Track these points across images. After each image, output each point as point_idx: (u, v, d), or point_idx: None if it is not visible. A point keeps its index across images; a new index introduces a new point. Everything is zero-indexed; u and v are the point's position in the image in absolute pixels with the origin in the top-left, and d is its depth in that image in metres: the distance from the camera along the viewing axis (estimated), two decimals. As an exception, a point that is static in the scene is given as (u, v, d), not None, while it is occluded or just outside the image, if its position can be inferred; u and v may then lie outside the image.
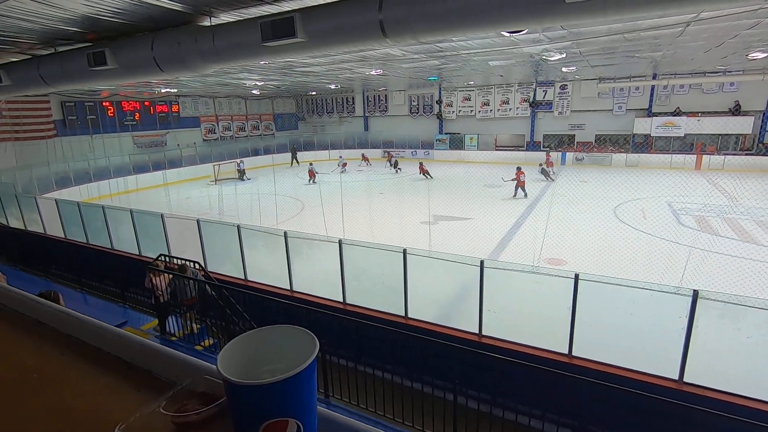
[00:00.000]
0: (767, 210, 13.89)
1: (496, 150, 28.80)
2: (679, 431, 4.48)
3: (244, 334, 0.56)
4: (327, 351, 5.39)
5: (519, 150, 28.46)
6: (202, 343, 6.70)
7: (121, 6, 5.98)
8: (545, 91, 27.28)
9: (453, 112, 30.68)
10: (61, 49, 8.09)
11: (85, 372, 0.83)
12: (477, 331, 6.32)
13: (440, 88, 30.29)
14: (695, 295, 4.87)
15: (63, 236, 12.06)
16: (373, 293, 7.50)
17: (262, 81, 21.14)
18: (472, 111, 30.00)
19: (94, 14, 6.26)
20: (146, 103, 25.86)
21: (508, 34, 10.18)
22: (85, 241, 11.43)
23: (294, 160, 29.50)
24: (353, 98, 34.50)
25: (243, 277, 8.77)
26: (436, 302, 7.68)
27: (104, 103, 23.69)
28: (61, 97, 21.45)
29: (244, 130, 32.82)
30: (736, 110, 22.69)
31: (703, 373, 5.05)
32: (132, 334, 0.89)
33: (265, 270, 8.87)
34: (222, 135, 31.07)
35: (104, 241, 11.07)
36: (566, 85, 26.61)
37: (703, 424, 4.43)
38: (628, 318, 5.88)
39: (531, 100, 27.72)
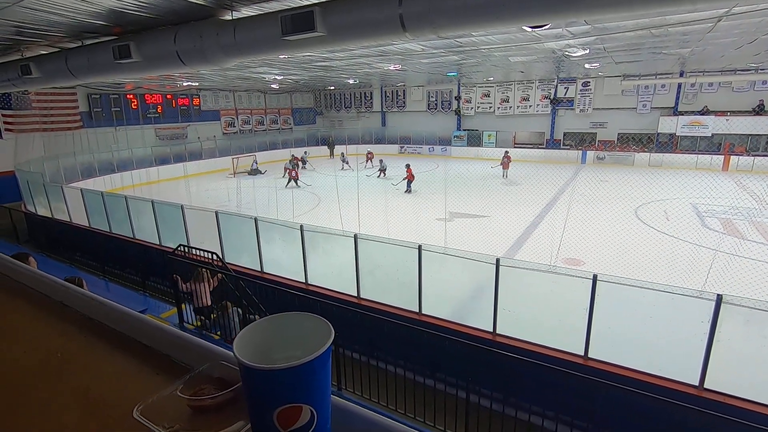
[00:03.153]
0: (798, 214, 13.36)
1: (515, 147, 28.41)
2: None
3: (261, 319, 0.57)
4: (340, 344, 5.43)
5: (539, 148, 28.02)
6: (217, 333, 6.83)
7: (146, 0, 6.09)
8: (567, 88, 26.74)
9: (471, 108, 30.36)
10: (88, 42, 8.30)
11: (106, 354, 0.86)
12: (491, 330, 6.27)
13: (459, 84, 30.00)
14: (719, 299, 4.73)
15: (87, 225, 12.43)
16: (387, 288, 7.52)
17: (282, 75, 21.29)
18: (491, 107, 29.63)
19: (120, 8, 6.40)
20: (168, 96, 26.36)
21: (529, 29, 10.00)
22: (108, 230, 11.76)
23: (331, 153, 30.63)
24: (371, 93, 34.47)
25: (259, 269, 8.89)
26: (450, 299, 7.64)
27: (128, 96, 24.25)
28: (87, 90, 22.03)
29: (263, 124, 33.17)
30: (760, 110, 21.85)
31: (725, 381, 4.91)
32: (152, 319, 0.91)
33: (281, 262, 8.97)
34: (241, 129, 31.46)
35: (126, 230, 11.37)
36: (589, 82, 26.03)
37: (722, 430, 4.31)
38: (648, 321, 5.74)
39: (552, 97, 27.22)
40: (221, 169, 25.32)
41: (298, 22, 5.77)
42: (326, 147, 31.63)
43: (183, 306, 7.44)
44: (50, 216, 13.68)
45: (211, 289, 6.90)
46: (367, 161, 25.67)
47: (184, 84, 23.36)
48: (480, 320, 6.44)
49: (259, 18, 6.32)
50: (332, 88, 33.94)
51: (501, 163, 21.45)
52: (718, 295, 4.77)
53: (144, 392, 0.65)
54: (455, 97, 30.64)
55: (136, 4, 6.26)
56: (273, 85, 27.53)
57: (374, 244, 7.29)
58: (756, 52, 15.51)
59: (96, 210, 12.15)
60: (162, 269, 9.18)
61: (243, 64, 14.79)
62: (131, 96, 24.40)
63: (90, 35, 8.02)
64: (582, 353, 5.62)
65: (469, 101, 30.33)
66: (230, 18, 6.80)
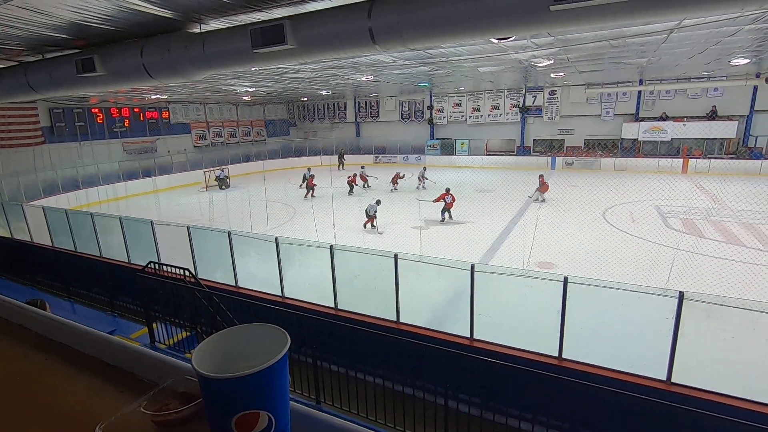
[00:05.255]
0: (751, 212, 14.15)
1: (487, 155, 29.03)
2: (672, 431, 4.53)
3: (220, 332, 0.58)
4: (319, 357, 5.37)
5: (510, 155, 28.73)
6: (191, 351, 6.64)
7: (109, 12, 5.97)
8: (535, 97, 27.61)
9: (444, 117, 30.91)
10: (49, 55, 8.04)
11: (69, 375, 0.84)
12: (468, 335, 6.35)
13: (431, 94, 30.53)
14: (681, 296, 4.95)
15: (50, 244, 11.90)
16: (365, 298, 7.51)
17: (253, 87, 21.14)
18: (462, 116, 30.24)
19: (81, 21, 6.25)
20: (136, 110, 25.70)
21: (496, 41, 10.32)
22: (74, 249, 11.29)
23: (341, 164, 29.94)
24: (345, 104, 34.62)
25: (234, 284, 8.72)
26: (428, 306, 7.70)
27: (93, 110, 23.50)
28: (48, 104, 21.25)
29: (236, 137, 32.74)
30: (712, 115, 23.20)
31: (690, 374, 5.12)
32: (115, 338, 0.90)
33: (257, 276, 8.83)
34: (213, 141, 30.95)
35: (93, 248, 10.95)
36: (555, 91, 26.97)
37: (690, 424, 4.48)
38: (617, 320, 5.94)
39: (521, 105, 28.03)
40: (193, 182, 24.78)
41: (268, 35, 5.78)
42: (337, 158, 30.49)
43: (154, 325, 7.21)
44: (9, 236, 13.03)
45: None
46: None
47: (153, 97, 22.85)
48: (457, 326, 6.51)
49: (229, 31, 6.31)
50: (305, 99, 33.91)
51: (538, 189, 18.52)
52: (680, 292, 5.00)
53: (107, 410, 0.65)
54: (428, 107, 31.14)
55: (99, 18, 6.14)
56: (245, 97, 27.28)
57: (350, 255, 7.28)
58: (707, 61, 16.49)
59: (60, 228, 11.66)
60: (132, 288, 8.87)
61: (213, 76, 14.63)
62: (96, 110, 23.66)
63: (51, 48, 7.78)
64: (556, 354, 5.75)
65: (441, 110, 30.88)
66: (198, 31, 6.74)
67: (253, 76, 16.28)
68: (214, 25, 6.85)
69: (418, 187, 21.76)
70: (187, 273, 7.04)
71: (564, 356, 5.74)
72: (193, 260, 9.07)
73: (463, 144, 30.02)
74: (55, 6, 5.59)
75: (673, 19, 8.65)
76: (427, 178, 21.59)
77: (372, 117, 33.91)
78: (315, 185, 20.04)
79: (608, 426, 5.04)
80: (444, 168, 28.08)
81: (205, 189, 23.30)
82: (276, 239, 7.91)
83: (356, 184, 21.23)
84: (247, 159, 30.15)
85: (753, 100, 22.53)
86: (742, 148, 22.91)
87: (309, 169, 23.76)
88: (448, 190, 15.08)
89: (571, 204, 16.23)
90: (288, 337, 0.57)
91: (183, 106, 28.52)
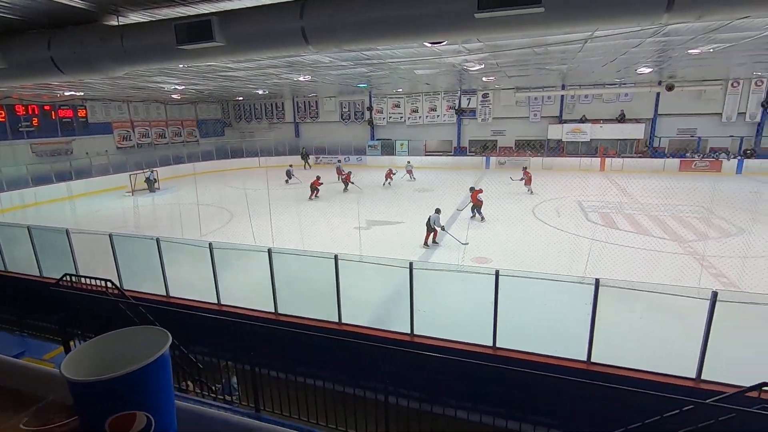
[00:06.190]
0: (657, 206, 15.84)
1: (426, 155, 29.80)
2: (589, 408, 4.95)
3: (96, 338, 0.57)
4: (258, 364, 5.22)
5: (447, 155, 29.72)
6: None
7: (9, 0, 5.38)
8: (469, 99, 28.81)
9: (383, 118, 31.27)
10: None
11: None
12: (409, 331, 6.50)
13: (370, 95, 30.75)
14: (597, 283, 5.44)
15: (-59, 260, 10.42)
16: (306, 301, 7.42)
17: (183, 85, 19.99)
18: (401, 117, 30.80)
19: (-26, 7, 5.57)
20: (46, 108, 23.22)
21: (430, 45, 10.64)
22: (-29, 264, 9.99)
23: (306, 163, 29.65)
24: (283, 104, 33.84)
25: (165, 294, 8.21)
26: (370, 306, 7.77)
27: (-7, 107, 20.91)
28: (-64, 100, 18.60)
29: (165, 137, 30.74)
30: (621, 118, 25.78)
31: (606, 353, 5.64)
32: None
33: (191, 284, 8.39)
34: (139, 142, 28.83)
35: (-5, 262, 9.77)
36: (488, 94, 28.33)
37: (609, 399, 4.94)
38: (544, 308, 6.39)
39: (456, 107, 29.12)
40: (117, 186, 22.89)
41: (194, 31, 5.52)
42: (301, 157, 29.96)
43: (72, 343, 6.59)
44: None
45: None
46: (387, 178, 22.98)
47: (66, 93, 20.80)
48: (399, 323, 6.64)
49: (151, 25, 5.94)
50: (241, 98, 32.67)
51: (522, 179, 19.76)
52: (596, 279, 5.49)
53: (-12, 432, 0.60)
54: (367, 108, 31.34)
55: (-3, 4, 5.51)
56: (174, 96, 25.71)
57: (290, 257, 7.15)
58: (617, 69, 18.22)
59: (-47, 241, 10.25)
60: (45, 304, 8.04)
61: (137, 72, 13.64)
62: (-3, 107, 21.08)
63: (-65, 37, 6.82)
64: (491, 344, 6.07)
65: (381, 112, 31.22)
66: (116, 24, 6.27)
67: (182, 73, 15.41)
68: (134, 18, 6.42)
69: (408, 180, 23.75)
70: (109, 284, 6.52)
71: (498, 345, 6.06)
72: (117, 271, 8.41)
73: (402, 144, 30.57)
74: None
75: (583, 30, 9.46)
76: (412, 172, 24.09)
77: (311, 117, 33.47)
78: (322, 184, 19.63)
79: (541, 408, 5.41)
80: (384, 168, 28.39)
81: (131, 193, 21.63)
82: (210, 244, 7.57)
83: (351, 182, 21.25)
84: (179, 161, 28.40)
85: (656, 104, 25.27)
86: (648, 148, 25.59)
87: (291, 165, 25.15)
88: (472, 189, 15.18)
89: (505, 201, 17.14)
90: (169, 337, 0.57)
91: (103, 104, 26.26)
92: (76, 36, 5.99)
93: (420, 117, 30.33)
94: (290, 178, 23.71)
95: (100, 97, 25.03)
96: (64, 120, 24.21)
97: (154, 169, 23.80)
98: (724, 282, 9.05)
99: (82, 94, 21.88)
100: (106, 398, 0.48)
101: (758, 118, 23.62)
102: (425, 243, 12.05)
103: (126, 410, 0.49)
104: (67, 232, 8.83)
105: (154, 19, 6.42)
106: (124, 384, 0.49)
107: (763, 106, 23.29)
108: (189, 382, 5.86)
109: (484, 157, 28.16)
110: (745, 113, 23.78)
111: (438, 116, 29.89)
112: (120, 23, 6.27)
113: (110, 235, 8.43)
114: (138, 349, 0.53)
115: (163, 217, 16.44)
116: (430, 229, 11.98)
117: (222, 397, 5.50)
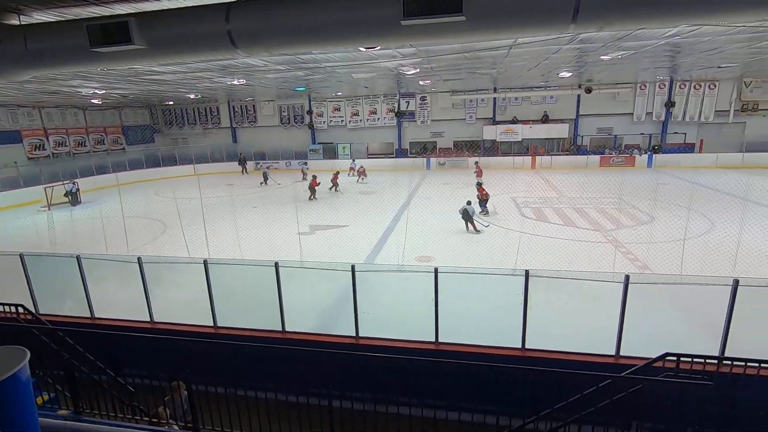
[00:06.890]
0: (582, 199, 17.16)
1: (369, 157, 30.00)
2: (525, 392, 5.26)
3: None
4: (195, 381, 4.99)
5: (389, 157, 30.13)
6: (36, 400, 5.58)
7: None
8: (408, 102, 29.43)
9: (324, 122, 31.07)
10: None
11: None
12: (354, 334, 6.52)
13: (310, 99, 30.41)
14: (527, 274, 5.81)
15: None
16: (248, 312, 7.19)
17: (103, 90, 18.57)
18: (342, 121, 30.77)
19: None
20: (-62, 115, 20.53)
21: (364, 49, 10.76)
22: None
23: (244, 170, 29.62)
24: (218, 108, 32.50)
25: (89, 316, 7.58)
26: (314, 312, 7.69)
27: None
28: None
29: (85, 146, 28.32)
30: (545, 119, 27.76)
31: (538, 338, 6.03)
32: None
33: (119, 303, 7.81)
34: (54, 152, 26.32)
35: None
36: (426, 97, 29.12)
37: (543, 382, 5.29)
38: (480, 301, 6.70)
39: (396, 110, 29.62)
40: (30, 201, 20.73)
41: (110, 33, 5.18)
42: (239, 163, 29.91)
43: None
44: None
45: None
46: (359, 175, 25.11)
47: (-38, 99, 18.53)
48: (344, 327, 6.64)
49: (59, 25, 5.50)
50: (171, 102, 30.92)
51: (475, 172, 21.53)
52: (526, 270, 5.86)
53: None
54: (307, 112, 30.96)
55: None
56: (94, 100, 23.76)
57: (227, 268, 6.90)
58: (542, 73, 19.52)
59: None
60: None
61: (46, 76, 12.47)
62: None
63: None
64: (433, 339, 6.25)
65: (321, 115, 30.98)
66: (18, 23, 5.73)
67: (101, 76, 14.31)
68: (39, 17, 5.90)
69: (358, 181, 24.35)
70: (20, 309, 5.90)
71: (440, 340, 6.26)
72: (31, 294, 7.63)
73: (344, 147, 30.54)
74: None
75: (503, 37, 10.03)
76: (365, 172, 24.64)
77: (249, 122, 32.45)
78: (319, 184, 19.81)
79: (483, 397, 5.66)
80: (328, 172, 28.21)
81: (47, 208, 19.66)
82: (139, 259, 7.10)
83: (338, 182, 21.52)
84: (102, 171, 26.19)
85: (578, 106, 27.39)
86: (572, 146, 27.66)
87: (268, 168, 26.64)
88: (479, 184, 16.67)
89: (445, 200, 17.71)
90: (26, 356, 0.56)
91: (8, 110, 23.68)
92: (-31, 36, 5.40)
93: (361, 120, 30.49)
94: (266, 180, 24.80)
95: (5, 103, 22.57)
96: (-40, 129, 21.52)
97: (75, 180, 21.81)
98: (639, 265, 10.02)
99: (-17, 99, 19.60)
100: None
101: (663, 117, 26.39)
102: (475, 229, 13.45)
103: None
104: (-33, 255, 7.86)
105: (63, 19, 5.95)
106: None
107: (666, 106, 26.06)
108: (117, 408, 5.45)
109: (425, 159, 28.89)
110: (652, 113, 26.47)
111: (378, 119, 30.22)
112: (22, 23, 5.74)
113: (21, 255, 7.63)
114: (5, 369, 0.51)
115: (85, 233, 15.14)
116: (469, 218, 13.37)
117: (175, 422, 5.11)
